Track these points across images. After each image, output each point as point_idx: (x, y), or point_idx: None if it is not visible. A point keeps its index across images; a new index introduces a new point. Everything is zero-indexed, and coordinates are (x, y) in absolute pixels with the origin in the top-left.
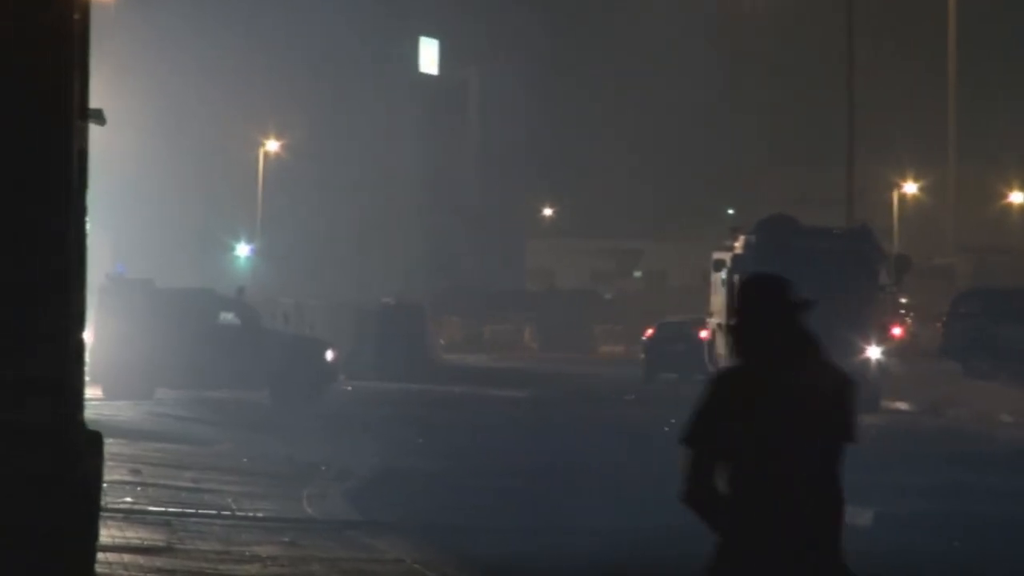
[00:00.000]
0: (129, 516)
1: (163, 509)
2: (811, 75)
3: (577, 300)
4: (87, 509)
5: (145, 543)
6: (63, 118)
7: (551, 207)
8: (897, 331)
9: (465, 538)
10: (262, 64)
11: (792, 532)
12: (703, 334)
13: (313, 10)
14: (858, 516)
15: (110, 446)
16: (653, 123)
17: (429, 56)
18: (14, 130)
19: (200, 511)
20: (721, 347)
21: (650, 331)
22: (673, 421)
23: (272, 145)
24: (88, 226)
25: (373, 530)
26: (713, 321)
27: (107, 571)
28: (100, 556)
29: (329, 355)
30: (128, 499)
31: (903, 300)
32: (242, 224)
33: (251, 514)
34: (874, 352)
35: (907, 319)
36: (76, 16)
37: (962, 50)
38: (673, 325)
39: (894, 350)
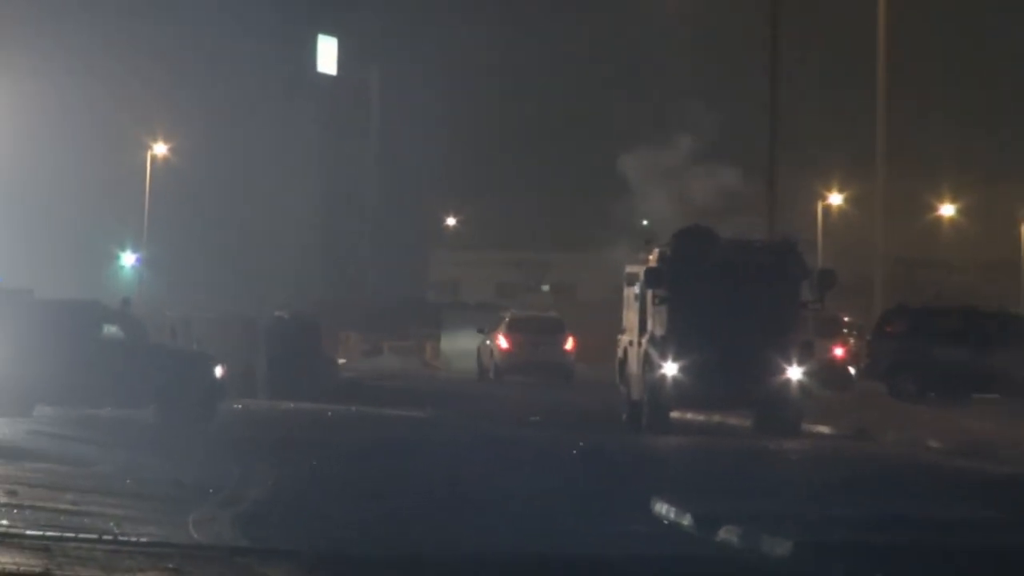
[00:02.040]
0: (4, 540)
1: (41, 533)
2: (736, 85)
3: (482, 315)
4: None
5: (21, 569)
6: None
7: (455, 216)
8: (839, 351)
9: (359, 567)
10: (152, 65)
11: None
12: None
13: (206, 8)
14: (777, 547)
15: None
16: (563, 130)
17: (328, 55)
18: None
19: (80, 535)
20: (634, 366)
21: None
22: (581, 444)
23: (160, 148)
24: None
25: (263, 557)
26: (625, 339)
27: None
28: None
29: (218, 371)
30: (4, 522)
31: (846, 319)
32: (128, 232)
33: (135, 539)
34: (795, 372)
35: (850, 338)
36: None
37: (892, 62)
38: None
39: (837, 371)
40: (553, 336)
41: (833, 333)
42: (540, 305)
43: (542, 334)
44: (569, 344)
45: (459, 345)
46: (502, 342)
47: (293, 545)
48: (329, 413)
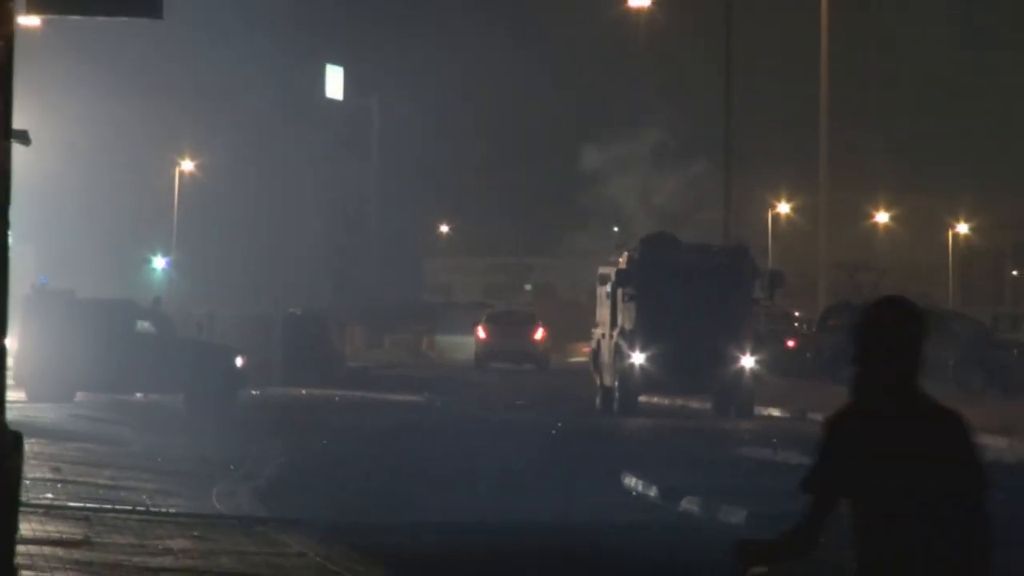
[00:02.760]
0: (49, 511)
1: (82, 505)
2: (694, 103)
3: (471, 312)
4: (7, 503)
5: (64, 536)
6: None
7: (447, 225)
8: (790, 343)
9: (366, 534)
10: (179, 88)
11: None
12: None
13: (226, 40)
14: (733, 515)
15: (32, 446)
16: (545, 145)
17: (335, 83)
18: None
19: (117, 507)
20: (606, 356)
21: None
22: (560, 425)
23: (187, 165)
24: (11, 240)
25: (279, 526)
26: (598, 332)
27: (28, 562)
28: (21, 548)
29: (239, 362)
30: (49, 495)
31: (796, 313)
32: (159, 239)
33: (164, 510)
34: (748, 361)
35: (801, 332)
36: (0, 42)
37: (834, 83)
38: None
39: (787, 359)
40: (524, 328)
41: (786, 327)
42: (523, 303)
43: (514, 326)
44: (539, 335)
45: (452, 338)
46: (480, 333)
47: (307, 515)
48: (337, 398)
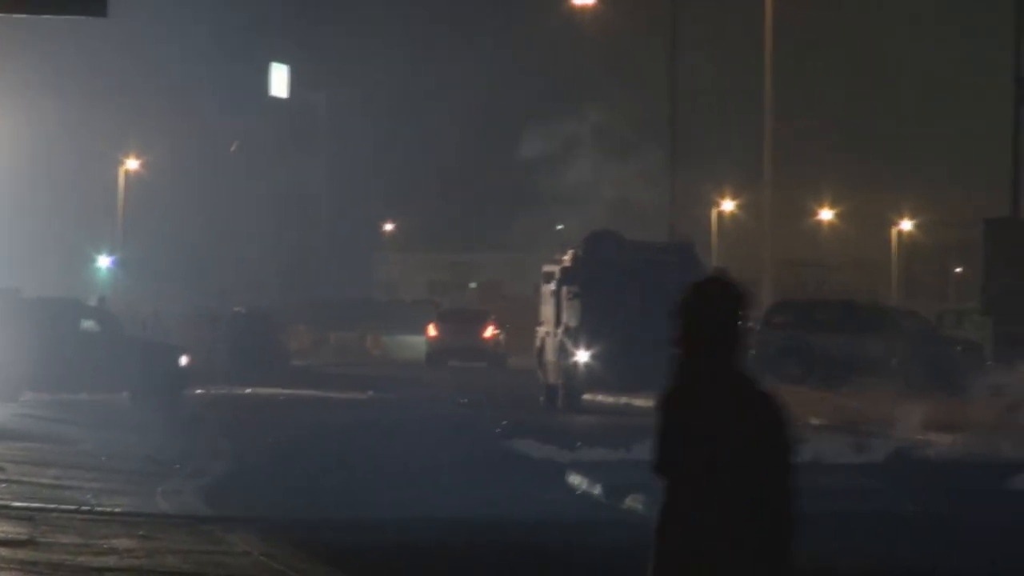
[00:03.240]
0: None
1: (26, 504)
2: (637, 99)
3: (417, 309)
4: None
5: (8, 536)
6: None
7: (393, 222)
8: None
9: (310, 531)
10: (124, 86)
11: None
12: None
13: (172, 38)
14: None
15: None
16: (490, 143)
17: (280, 80)
18: None
19: (61, 506)
20: (550, 354)
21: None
22: (504, 423)
23: (132, 163)
24: None
25: (225, 525)
26: (543, 329)
27: None
28: None
29: (184, 360)
30: None
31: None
32: (104, 237)
33: (109, 509)
34: None
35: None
36: None
37: (779, 82)
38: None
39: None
40: (475, 325)
41: None
42: (468, 300)
43: (465, 323)
44: (489, 332)
45: (398, 337)
46: (431, 331)
47: (251, 513)
48: (282, 397)
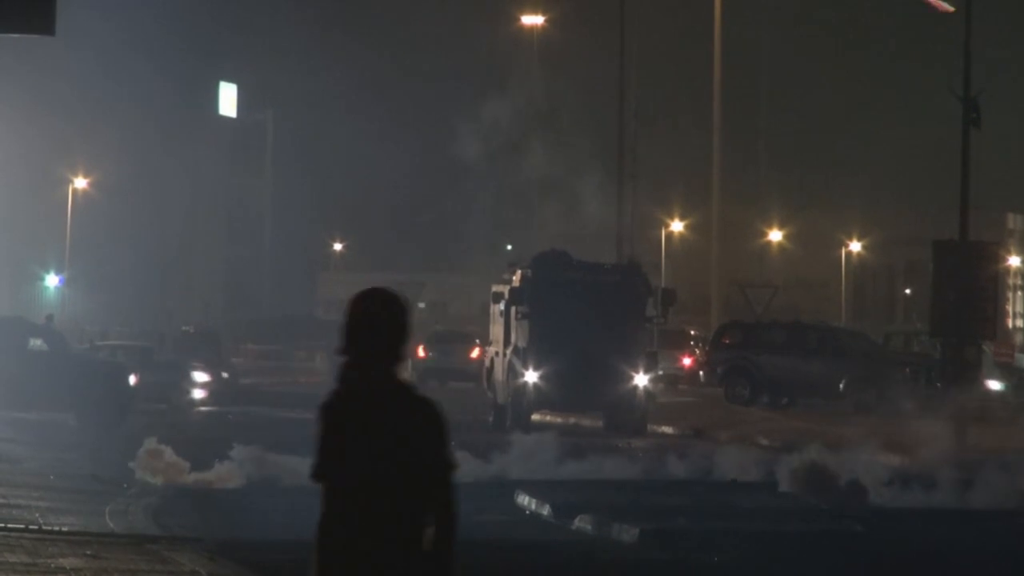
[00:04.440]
0: None
1: None
2: (586, 120)
3: None
4: None
5: None
6: None
7: (341, 242)
8: (687, 360)
9: (257, 552)
10: (74, 104)
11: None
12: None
13: (118, 57)
14: (624, 533)
15: None
16: (438, 163)
17: (228, 100)
18: None
19: (9, 525)
20: (499, 374)
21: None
22: (451, 443)
23: (80, 182)
24: None
25: (172, 544)
26: (492, 350)
27: None
28: None
29: (132, 379)
30: None
31: (692, 332)
32: (52, 256)
33: (57, 528)
34: (641, 379)
35: (696, 350)
36: None
37: (727, 98)
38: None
39: (684, 378)
40: (462, 347)
41: (681, 345)
42: (416, 320)
43: (453, 344)
44: (475, 354)
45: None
46: (419, 351)
47: (198, 533)
48: (230, 416)
